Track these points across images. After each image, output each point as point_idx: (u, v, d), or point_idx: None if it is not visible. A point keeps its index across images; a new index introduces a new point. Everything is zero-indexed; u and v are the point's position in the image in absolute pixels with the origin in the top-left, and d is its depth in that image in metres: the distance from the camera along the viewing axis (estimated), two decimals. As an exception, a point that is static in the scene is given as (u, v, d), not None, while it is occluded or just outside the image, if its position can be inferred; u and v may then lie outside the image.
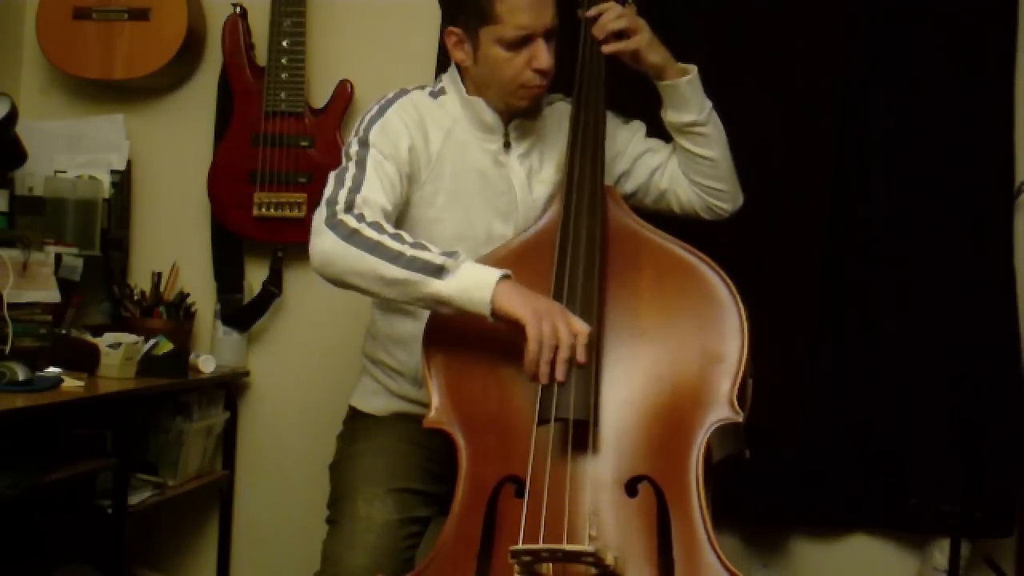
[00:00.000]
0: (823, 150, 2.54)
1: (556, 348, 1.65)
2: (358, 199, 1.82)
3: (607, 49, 1.98)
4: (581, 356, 1.66)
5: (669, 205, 2.11)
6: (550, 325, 1.66)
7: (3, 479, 2.04)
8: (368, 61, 2.85)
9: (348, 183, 1.85)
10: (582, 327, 1.68)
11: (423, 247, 1.75)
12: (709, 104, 2.05)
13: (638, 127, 2.14)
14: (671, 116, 2.04)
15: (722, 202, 2.10)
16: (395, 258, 1.73)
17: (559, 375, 1.66)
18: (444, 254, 1.73)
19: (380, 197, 1.86)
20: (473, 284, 1.70)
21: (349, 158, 1.91)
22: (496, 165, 2.03)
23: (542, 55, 1.93)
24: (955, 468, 2.48)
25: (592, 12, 1.99)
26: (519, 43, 1.92)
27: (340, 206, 1.81)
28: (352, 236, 1.76)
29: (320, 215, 1.81)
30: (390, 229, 1.78)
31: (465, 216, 2.00)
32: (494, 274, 1.71)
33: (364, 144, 1.92)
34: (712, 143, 2.05)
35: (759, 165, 2.50)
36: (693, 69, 2.03)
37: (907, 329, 2.52)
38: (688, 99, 2.02)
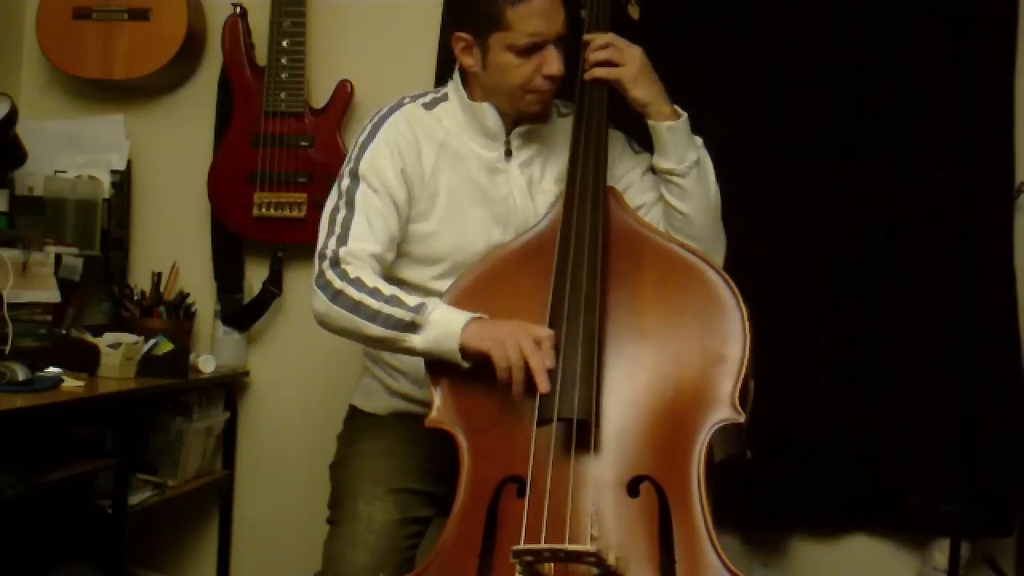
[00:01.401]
0: (823, 151, 2.54)
1: (525, 366, 1.69)
2: (343, 253, 1.89)
3: (588, 75, 1.96)
4: (548, 361, 1.70)
5: None
6: (513, 346, 1.70)
7: (3, 479, 2.04)
8: (368, 61, 2.84)
9: (338, 230, 1.92)
10: (543, 332, 1.72)
11: (397, 302, 1.81)
12: (693, 158, 1.97)
13: (644, 160, 2.09)
14: (654, 159, 2.01)
15: None
16: (373, 317, 1.82)
17: (541, 387, 1.69)
18: (414, 308, 1.79)
19: (368, 243, 1.91)
20: (442, 336, 1.77)
21: (340, 194, 1.96)
22: (493, 173, 2.03)
23: (553, 62, 1.92)
24: (955, 468, 2.48)
25: (586, 38, 1.99)
26: (530, 50, 1.91)
27: (327, 262, 1.89)
28: (337, 297, 1.85)
29: (313, 272, 1.90)
30: (369, 284, 1.84)
31: (462, 227, 2.01)
32: (460, 322, 1.76)
33: (355, 177, 1.96)
34: (688, 197, 1.98)
35: (760, 166, 2.52)
36: (681, 116, 1.97)
37: (907, 329, 2.52)
38: (667, 145, 1.97)
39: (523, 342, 1.70)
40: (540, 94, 1.96)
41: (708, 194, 2.00)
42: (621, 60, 1.95)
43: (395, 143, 1.97)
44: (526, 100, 1.97)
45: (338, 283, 1.85)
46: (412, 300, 1.81)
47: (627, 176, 2.08)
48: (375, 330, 1.82)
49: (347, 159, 1.99)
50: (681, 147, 1.97)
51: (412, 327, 1.79)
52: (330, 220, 1.94)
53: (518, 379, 1.70)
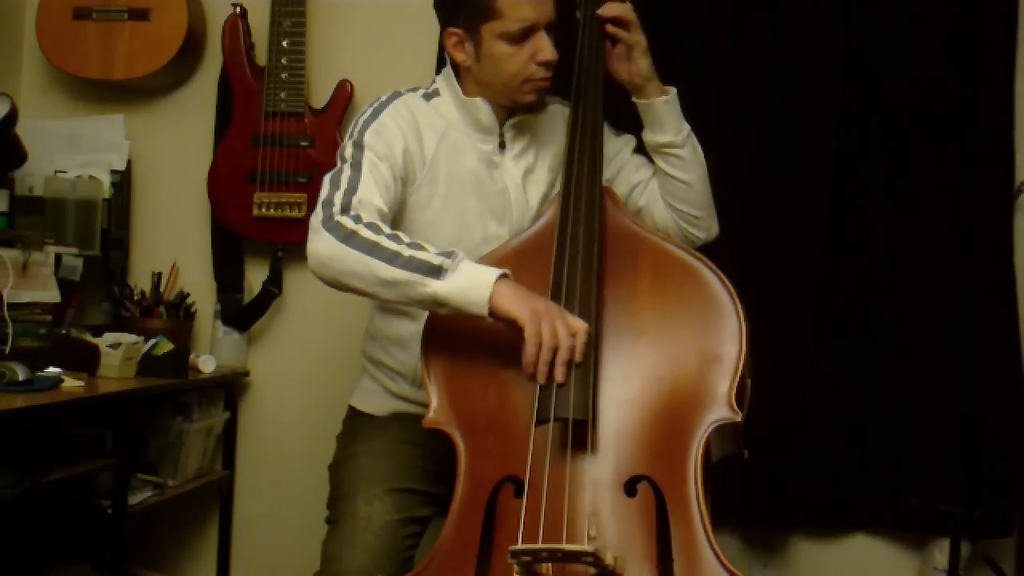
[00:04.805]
0: (823, 150, 2.54)
1: (555, 349, 1.66)
2: (354, 200, 1.83)
3: (611, 29, 1.98)
4: (579, 356, 1.67)
5: None
6: (549, 326, 1.66)
7: (3, 479, 2.04)
8: (368, 61, 2.85)
9: (344, 185, 1.85)
10: (581, 325, 1.69)
11: (420, 247, 1.75)
12: (687, 128, 2.04)
13: (628, 140, 2.14)
14: (647, 135, 2.05)
15: (696, 229, 2.08)
16: (392, 258, 1.73)
17: (558, 376, 1.67)
18: (442, 254, 1.73)
19: (376, 198, 1.86)
20: (471, 284, 1.70)
21: (344, 160, 1.92)
22: (490, 166, 2.03)
23: (546, 47, 1.93)
24: (955, 468, 2.49)
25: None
26: (522, 36, 1.92)
27: (336, 208, 1.81)
28: (349, 237, 1.76)
29: (317, 217, 1.81)
30: (387, 230, 1.78)
31: (460, 218, 2.01)
32: (492, 273, 1.71)
33: (359, 146, 1.92)
34: (688, 167, 2.04)
35: (760, 164, 2.52)
36: (672, 91, 2.02)
37: (907, 329, 2.52)
38: (664, 120, 2.02)
39: (559, 327, 1.66)
40: (535, 83, 1.97)
41: (702, 161, 2.07)
42: (636, 25, 1.98)
43: (398, 123, 1.96)
44: (522, 90, 1.97)
45: (351, 224, 1.77)
46: (436, 248, 1.76)
47: (618, 156, 2.11)
48: (391, 272, 1.72)
49: (348, 135, 1.96)
50: (675, 119, 2.03)
51: (437, 271, 1.71)
52: (333, 179, 1.88)
53: (545, 360, 1.66)
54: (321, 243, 1.78)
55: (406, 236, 1.78)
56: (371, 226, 1.78)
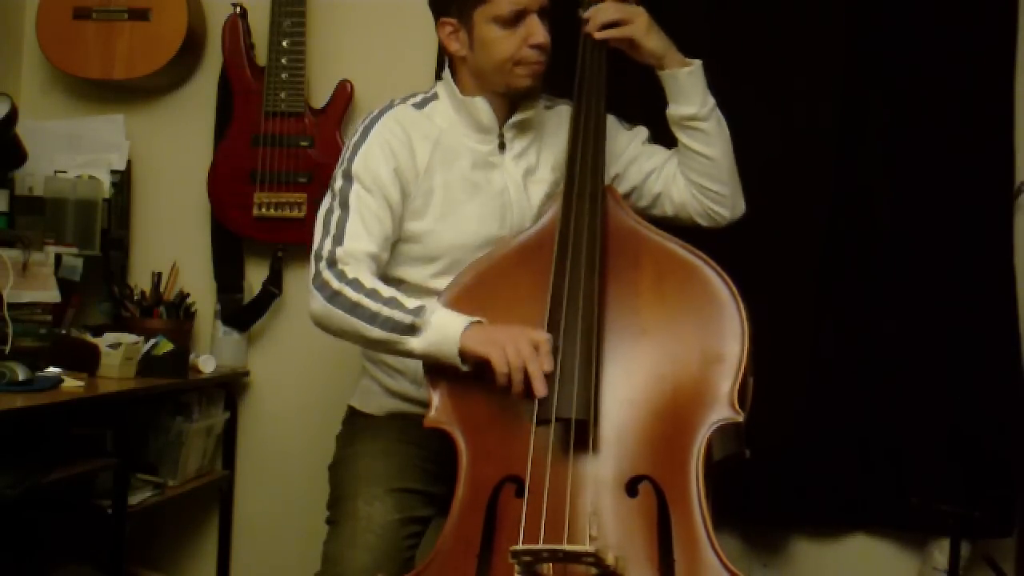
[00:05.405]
0: (823, 150, 2.54)
1: (524, 366, 1.69)
2: (339, 252, 1.89)
3: (600, 35, 1.98)
4: (546, 365, 1.69)
5: (664, 210, 2.10)
6: (513, 348, 1.70)
7: (3, 479, 2.04)
8: (368, 61, 2.85)
9: (333, 230, 1.91)
10: (541, 337, 1.72)
11: (396, 304, 1.81)
12: (712, 101, 2.03)
13: (639, 132, 2.14)
14: (671, 109, 2.04)
15: (720, 207, 2.07)
16: (372, 318, 1.81)
17: (538, 391, 1.68)
18: (413, 311, 1.79)
19: (363, 242, 1.91)
20: (441, 339, 1.77)
21: (334, 195, 1.96)
22: (488, 167, 2.03)
23: (538, 31, 1.94)
24: (955, 468, 2.48)
25: (588, 14, 2.00)
26: (514, 19, 1.93)
27: (323, 262, 1.88)
28: (334, 298, 1.84)
29: (309, 272, 1.90)
30: (368, 285, 1.84)
31: (458, 224, 2.01)
32: (458, 326, 1.76)
33: (348, 177, 1.96)
34: (712, 141, 2.03)
35: (760, 164, 2.50)
36: (696, 62, 2.02)
37: (907, 329, 2.52)
38: (688, 91, 2.01)
39: (522, 346, 1.70)
40: (529, 66, 1.97)
41: (727, 136, 2.06)
42: (629, 17, 1.98)
43: (387, 142, 1.97)
44: (516, 73, 1.97)
45: (335, 284, 1.85)
46: (411, 303, 1.81)
47: (628, 149, 2.11)
48: (374, 332, 1.81)
49: (340, 161, 1.99)
50: (700, 91, 2.02)
51: (411, 330, 1.78)
52: (324, 221, 1.94)
53: (517, 380, 1.70)
54: (313, 303, 1.88)
55: (386, 290, 1.84)
56: (353, 283, 1.84)
